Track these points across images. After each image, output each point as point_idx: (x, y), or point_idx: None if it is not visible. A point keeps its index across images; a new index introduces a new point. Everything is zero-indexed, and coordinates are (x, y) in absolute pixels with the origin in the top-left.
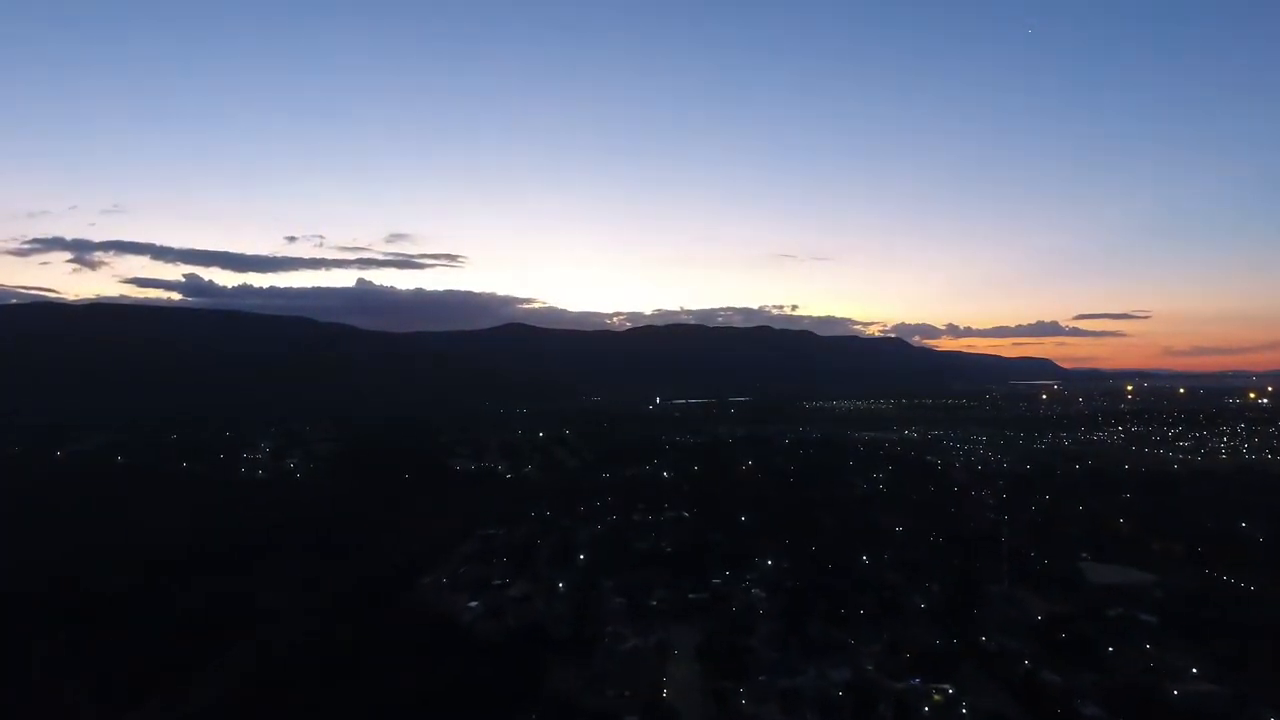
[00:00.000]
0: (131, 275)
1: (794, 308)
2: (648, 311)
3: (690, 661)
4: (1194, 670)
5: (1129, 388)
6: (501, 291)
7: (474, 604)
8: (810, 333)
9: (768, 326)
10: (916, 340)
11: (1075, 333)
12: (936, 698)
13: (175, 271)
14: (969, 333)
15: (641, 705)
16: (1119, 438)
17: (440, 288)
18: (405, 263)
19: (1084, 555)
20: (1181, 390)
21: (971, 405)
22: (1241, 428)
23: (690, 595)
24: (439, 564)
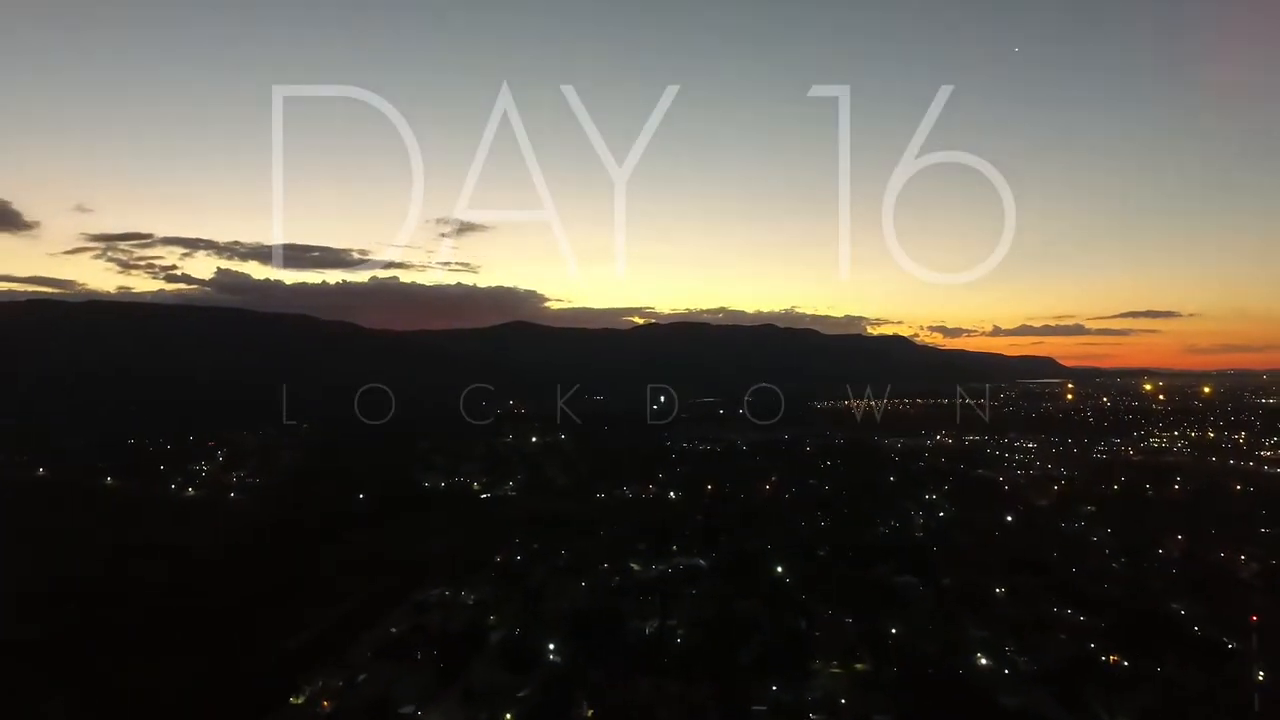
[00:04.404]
0: (163, 270)
1: (829, 307)
2: (679, 310)
3: None
4: None
5: (1148, 387)
6: (540, 290)
7: None
8: (815, 330)
9: (772, 325)
10: (932, 338)
11: (1105, 332)
12: None
13: (208, 266)
14: (998, 332)
15: None
16: (1183, 445)
17: (481, 284)
18: (446, 260)
19: None
20: (1207, 389)
21: (993, 406)
22: None
23: None
24: (336, 658)
